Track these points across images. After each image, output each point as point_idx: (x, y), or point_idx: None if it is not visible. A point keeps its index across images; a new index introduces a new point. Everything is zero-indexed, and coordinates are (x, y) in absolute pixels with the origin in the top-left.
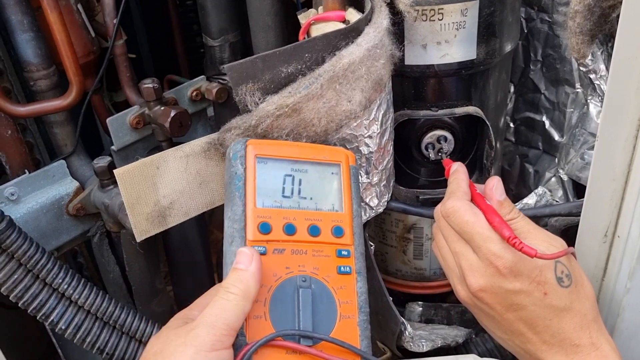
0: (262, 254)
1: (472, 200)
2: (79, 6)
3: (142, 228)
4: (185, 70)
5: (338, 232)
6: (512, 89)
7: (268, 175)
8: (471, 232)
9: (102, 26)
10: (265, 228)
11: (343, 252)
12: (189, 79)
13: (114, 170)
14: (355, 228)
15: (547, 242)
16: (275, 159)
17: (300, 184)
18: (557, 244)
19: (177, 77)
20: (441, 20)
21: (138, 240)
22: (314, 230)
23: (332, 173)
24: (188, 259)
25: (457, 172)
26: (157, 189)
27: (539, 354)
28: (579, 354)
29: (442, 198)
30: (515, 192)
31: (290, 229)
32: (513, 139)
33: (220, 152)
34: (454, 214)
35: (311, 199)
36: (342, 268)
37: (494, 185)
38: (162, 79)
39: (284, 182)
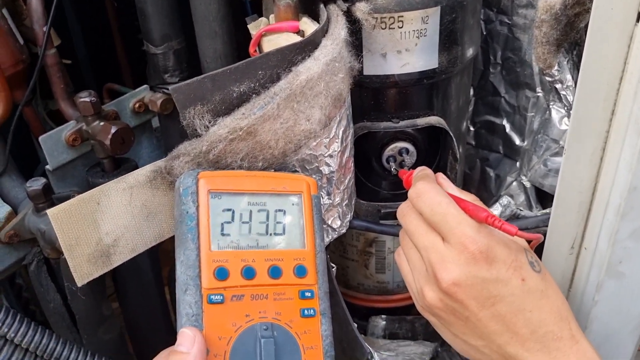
0: (220, 302)
1: None
2: (4, 11)
3: (83, 271)
4: (128, 75)
5: (301, 271)
6: (471, 92)
7: (223, 212)
8: (444, 212)
9: (31, 31)
10: (222, 274)
11: (306, 294)
12: (132, 84)
13: (48, 211)
14: (318, 265)
15: None
16: (230, 193)
17: (258, 219)
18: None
19: (117, 86)
20: (401, 28)
21: (79, 285)
22: (275, 272)
23: (293, 204)
24: (137, 279)
25: (424, 169)
26: (99, 227)
27: (518, 357)
28: (560, 350)
29: None
30: (476, 196)
31: (249, 273)
32: (473, 142)
33: (167, 181)
34: (425, 194)
35: (271, 235)
36: (305, 311)
37: (442, 180)
38: (102, 86)
39: (240, 218)
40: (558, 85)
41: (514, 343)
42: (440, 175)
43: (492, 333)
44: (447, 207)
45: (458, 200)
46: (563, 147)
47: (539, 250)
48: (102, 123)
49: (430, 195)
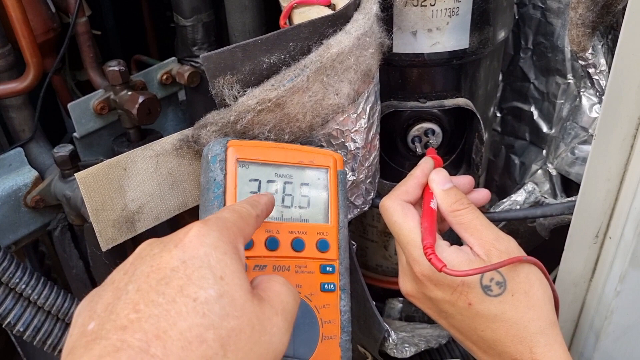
0: None
1: (422, 198)
2: None
3: (108, 236)
4: (155, 48)
5: (323, 246)
6: (500, 77)
7: (250, 181)
8: (398, 233)
9: (63, 0)
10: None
11: (327, 268)
12: (158, 56)
13: (76, 174)
14: (340, 241)
15: (489, 244)
16: (257, 163)
17: (284, 191)
18: (500, 246)
19: (145, 57)
20: (433, 6)
21: (104, 249)
22: (298, 245)
23: (319, 179)
24: None
25: (417, 168)
26: (125, 193)
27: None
28: None
29: None
30: (500, 184)
31: (272, 244)
32: (499, 129)
33: (193, 149)
34: (384, 212)
35: (295, 208)
36: (325, 285)
37: (433, 176)
38: (129, 57)
39: (267, 189)
40: (591, 70)
41: (476, 350)
42: (436, 171)
43: (455, 337)
44: (400, 229)
45: (424, 215)
46: (592, 135)
47: (562, 238)
48: (129, 92)
49: (388, 214)
